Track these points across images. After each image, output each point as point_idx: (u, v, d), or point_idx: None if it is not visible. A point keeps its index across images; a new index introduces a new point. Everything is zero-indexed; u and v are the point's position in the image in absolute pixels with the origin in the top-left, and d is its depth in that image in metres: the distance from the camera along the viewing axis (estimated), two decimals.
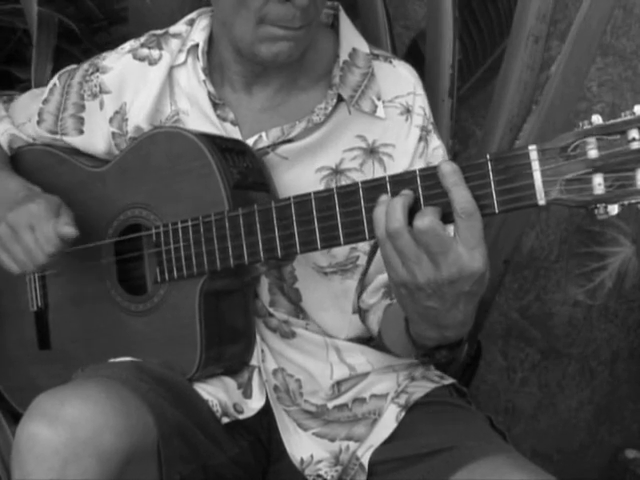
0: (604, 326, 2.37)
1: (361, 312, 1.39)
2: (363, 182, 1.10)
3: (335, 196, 1.12)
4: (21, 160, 1.52)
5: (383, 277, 1.34)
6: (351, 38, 1.41)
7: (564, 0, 2.13)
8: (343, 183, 1.36)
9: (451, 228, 1.03)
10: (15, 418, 1.47)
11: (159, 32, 1.47)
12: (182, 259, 1.30)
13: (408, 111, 1.38)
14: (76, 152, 1.48)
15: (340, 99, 1.36)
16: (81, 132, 1.47)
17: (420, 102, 1.39)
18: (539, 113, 1.72)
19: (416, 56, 2.01)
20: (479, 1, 2.00)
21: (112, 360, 1.33)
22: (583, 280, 2.00)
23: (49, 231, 1.30)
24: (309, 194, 1.15)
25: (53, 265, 1.38)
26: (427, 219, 1.01)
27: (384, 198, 1.06)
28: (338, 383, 1.40)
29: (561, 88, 1.70)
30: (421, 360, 1.22)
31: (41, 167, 1.49)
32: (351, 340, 1.41)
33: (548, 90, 1.70)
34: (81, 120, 1.47)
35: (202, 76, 1.40)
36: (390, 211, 1.03)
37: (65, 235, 1.31)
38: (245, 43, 1.30)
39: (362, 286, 1.38)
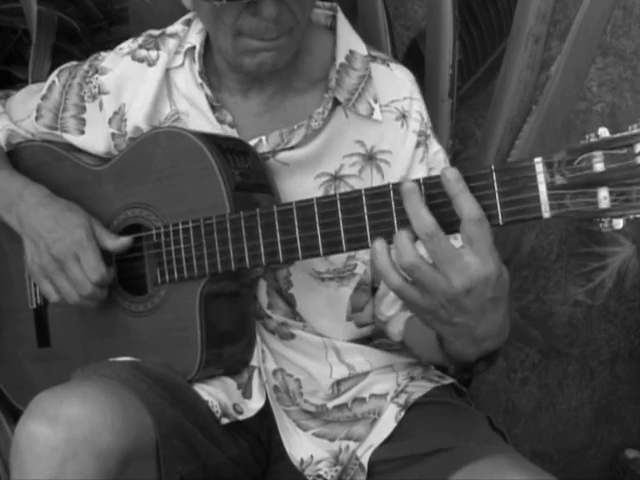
0: (604, 326, 2.37)
1: (381, 324, 1.39)
2: (366, 189, 1.10)
3: (338, 202, 1.12)
4: (20, 156, 1.51)
5: None
6: (349, 40, 1.40)
7: (564, 0, 2.13)
8: (342, 190, 1.36)
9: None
10: (15, 417, 1.48)
11: (156, 33, 1.47)
12: (183, 261, 1.30)
13: (404, 116, 1.37)
14: (76, 149, 1.48)
15: (337, 102, 1.36)
16: (82, 132, 1.48)
17: (417, 107, 1.38)
18: (539, 113, 1.72)
19: (416, 56, 2.01)
20: (479, 1, 1.99)
21: (112, 360, 1.33)
22: (583, 280, 2.00)
23: (94, 261, 1.32)
24: (312, 199, 1.15)
25: None
26: (428, 223, 1.00)
27: (379, 246, 1.03)
28: (338, 383, 1.40)
29: (561, 88, 1.70)
30: (459, 376, 1.20)
31: (40, 164, 1.49)
32: (348, 342, 1.42)
33: (548, 90, 1.70)
34: (83, 121, 1.47)
35: (199, 79, 1.40)
36: (400, 246, 1.01)
37: (123, 246, 1.34)
38: (229, 55, 1.31)
39: (377, 298, 1.39)
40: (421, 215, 1.00)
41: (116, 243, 1.35)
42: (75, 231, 1.34)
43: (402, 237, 1.01)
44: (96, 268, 1.32)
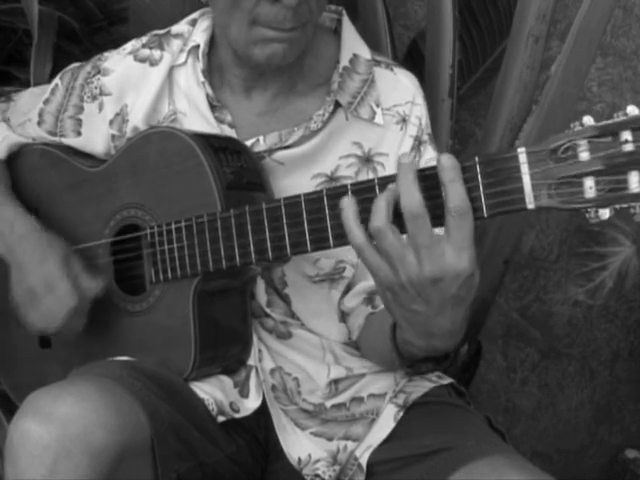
0: (604, 326, 2.37)
1: (343, 315, 1.39)
2: (352, 184, 1.08)
3: (324, 198, 1.11)
4: (20, 159, 1.52)
5: (366, 284, 1.34)
6: (353, 44, 1.40)
7: (564, 0, 2.13)
8: None
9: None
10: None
11: (161, 32, 1.47)
12: (176, 260, 1.30)
13: (404, 120, 1.37)
14: (74, 152, 1.49)
15: (338, 105, 1.36)
16: (79, 134, 1.48)
17: (417, 112, 1.38)
18: (539, 113, 1.72)
19: (416, 56, 2.01)
20: (479, 1, 1.99)
21: (107, 359, 1.33)
22: (583, 280, 2.00)
23: (64, 292, 1.33)
24: (299, 196, 1.14)
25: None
26: (416, 202, 0.97)
27: (346, 202, 1.02)
28: (335, 382, 1.40)
29: (561, 88, 1.70)
30: (405, 370, 1.20)
31: (39, 166, 1.49)
32: (346, 344, 1.42)
33: (548, 90, 1.70)
34: (79, 122, 1.47)
35: (201, 78, 1.40)
36: (374, 209, 1.00)
37: (96, 289, 1.35)
38: (240, 45, 1.31)
39: (345, 290, 1.39)
40: (411, 193, 0.98)
41: (90, 290, 1.35)
42: (46, 262, 1.35)
43: (380, 200, 1.00)
44: (67, 301, 1.33)
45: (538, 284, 2.33)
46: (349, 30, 1.41)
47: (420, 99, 1.39)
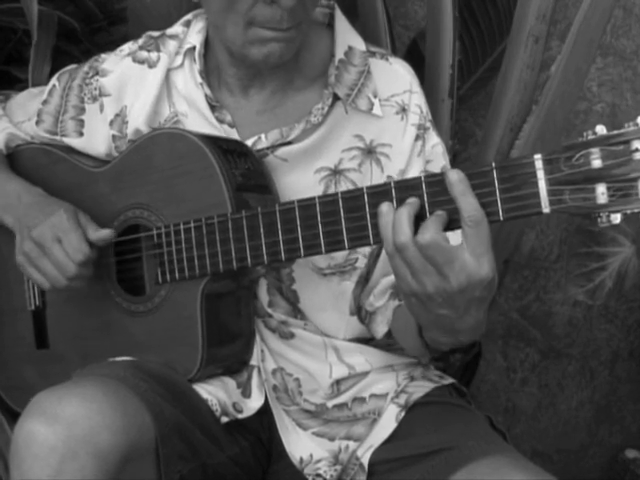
0: (604, 326, 2.37)
1: (367, 315, 1.39)
2: (368, 187, 1.11)
3: (340, 201, 1.13)
4: (20, 158, 1.51)
5: (389, 279, 1.35)
6: (347, 36, 1.41)
7: (564, 0, 2.13)
8: (342, 184, 1.36)
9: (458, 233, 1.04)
10: (15, 418, 1.47)
11: (156, 34, 1.47)
12: (184, 260, 1.30)
13: (404, 110, 1.38)
14: (75, 151, 1.48)
15: (337, 98, 1.36)
16: (81, 134, 1.48)
17: (416, 100, 1.39)
18: (539, 113, 1.72)
19: (416, 56, 2.01)
20: (479, 1, 1.99)
21: (111, 359, 1.33)
22: (583, 280, 2.00)
23: (76, 241, 1.31)
24: (313, 198, 1.16)
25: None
26: (428, 234, 1.02)
27: (385, 208, 1.06)
28: (337, 382, 1.40)
29: (561, 88, 1.70)
30: (435, 364, 1.23)
31: (40, 166, 1.49)
32: (350, 340, 1.41)
33: (548, 90, 1.70)
34: (81, 122, 1.47)
35: (199, 79, 1.40)
36: (396, 224, 1.04)
37: (104, 238, 1.33)
38: (236, 46, 1.31)
39: (367, 289, 1.39)
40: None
41: (98, 234, 1.33)
42: (55, 214, 1.33)
43: (402, 214, 1.04)
44: (78, 248, 1.31)
45: (538, 284, 2.33)
46: (342, 23, 1.42)
47: (417, 87, 1.40)
